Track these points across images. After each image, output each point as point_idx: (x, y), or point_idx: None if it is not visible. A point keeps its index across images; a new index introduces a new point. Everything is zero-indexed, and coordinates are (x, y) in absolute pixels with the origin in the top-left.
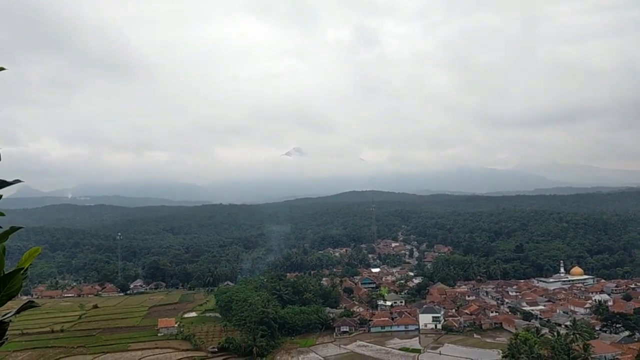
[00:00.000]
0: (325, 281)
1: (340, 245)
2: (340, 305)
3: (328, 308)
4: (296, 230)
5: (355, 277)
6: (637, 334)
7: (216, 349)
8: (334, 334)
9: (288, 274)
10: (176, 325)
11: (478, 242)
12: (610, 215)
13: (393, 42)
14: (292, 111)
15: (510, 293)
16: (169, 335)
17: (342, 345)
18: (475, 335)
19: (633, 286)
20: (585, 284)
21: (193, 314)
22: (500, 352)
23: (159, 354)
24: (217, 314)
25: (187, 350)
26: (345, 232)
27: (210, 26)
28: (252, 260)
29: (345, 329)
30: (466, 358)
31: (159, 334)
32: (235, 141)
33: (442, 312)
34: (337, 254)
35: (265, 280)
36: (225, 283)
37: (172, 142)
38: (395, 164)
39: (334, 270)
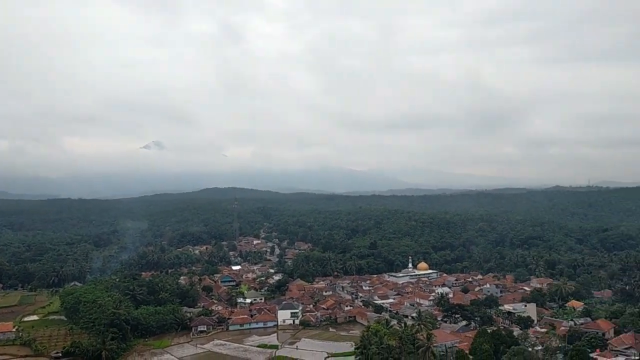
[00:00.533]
0: (183, 280)
1: (201, 242)
2: (199, 304)
3: (185, 307)
4: (153, 227)
5: (215, 275)
6: (472, 323)
7: (60, 354)
8: (191, 333)
9: (143, 273)
10: (14, 329)
11: (336, 239)
12: (453, 215)
13: (259, 40)
14: (153, 103)
15: (364, 287)
16: (5, 340)
17: (198, 345)
18: (330, 329)
19: (470, 279)
20: (430, 278)
21: (34, 317)
22: (353, 344)
23: None
24: (63, 317)
25: (27, 356)
26: (206, 229)
27: (62, 5)
28: (104, 259)
29: (202, 328)
30: (321, 351)
31: None
32: (89, 131)
33: (301, 308)
34: (197, 252)
35: (117, 280)
36: (72, 284)
37: (13, 130)
38: (260, 161)
39: (193, 268)
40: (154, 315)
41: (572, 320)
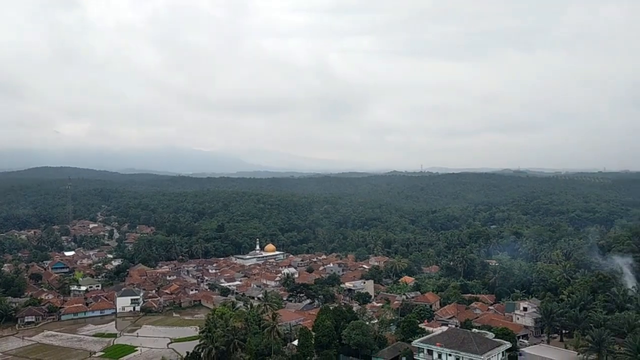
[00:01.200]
0: (7, 267)
1: (28, 226)
2: (26, 293)
3: (10, 297)
4: None
5: (45, 261)
6: (316, 301)
7: None
8: (17, 325)
9: None
10: None
11: (182, 222)
12: (300, 198)
13: (95, 7)
14: None
15: (210, 271)
16: None
17: (25, 337)
18: (174, 314)
19: (315, 260)
20: (276, 259)
21: None
22: (198, 328)
23: None
24: None
25: None
26: (34, 212)
27: None
28: None
29: (30, 319)
30: (163, 337)
31: None
32: None
33: (142, 294)
34: (23, 237)
35: None
36: None
37: None
38: (97, 139)
39: (19, 254)
40: None
41: (404, 294)
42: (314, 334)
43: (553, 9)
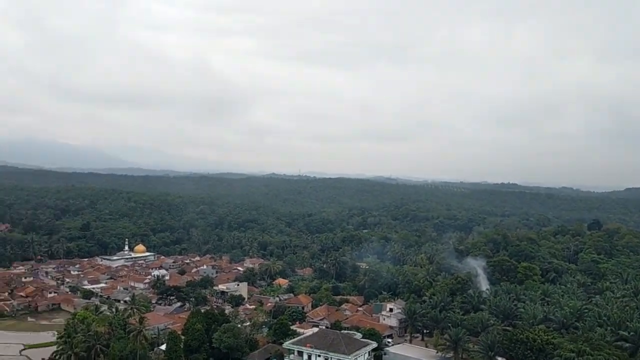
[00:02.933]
0: None
1: None
2: None
3: None
4: None
5: None
6: (187, 304)
7: None
8: None
9: None
10: None
11: (42, 220)
12: (174, 197)
13: None
14: None
15: (72, 272)
16: None
17: None
18: (29, 319)
19: (188, 261)
20: (147, 260)
21: None
22: (56, 333)
23: None
24: None
25: None
26: None
27: None
28: None
29: None
30: (16, 343)
31: None
32: None
33: None
34: None
35: None
36: None
37: None
38: None
39: None
40: None
41: (277, 296)
42: (183, 337)
43: (425, 27)
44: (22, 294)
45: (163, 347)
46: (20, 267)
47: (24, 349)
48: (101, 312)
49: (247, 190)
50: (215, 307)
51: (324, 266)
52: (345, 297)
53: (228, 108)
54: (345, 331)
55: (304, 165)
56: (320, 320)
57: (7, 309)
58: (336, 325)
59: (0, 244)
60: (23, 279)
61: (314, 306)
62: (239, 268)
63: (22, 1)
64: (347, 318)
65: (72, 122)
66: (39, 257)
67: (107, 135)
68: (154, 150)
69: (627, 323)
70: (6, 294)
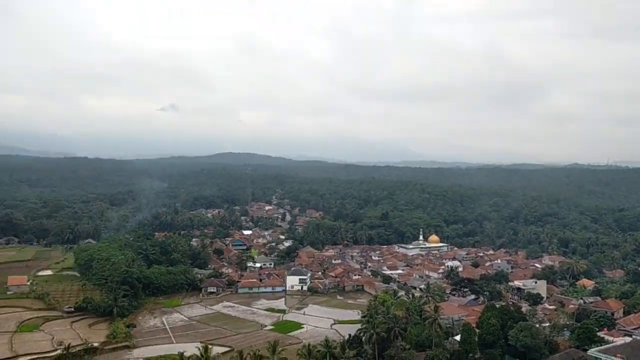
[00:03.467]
0: (195, 242)
1: (214, 206)
2: (209, 266)
3: (196, 269)
4: (168, 189)
5: (226, 238)
6: (481, 297)
7: (72, 309)
8: (201, 294)
9: (156, 234)
10: (28, 283)
11: (348, 209)
12: (466, 189)
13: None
14: (168, 63)
15: (373, 258)
16: (19, 293)
17: (208, 306)
18: (338, 297)
19: (481, 254)
20: (440, 251)
21: (48, 272)
22: (360, 312)
23: (8, 312)
24: (76, 273)
25: (40, 309)
26: (219, 193)
27: None
28: (119, 218)
29: (212, 290)
30: (327, 317)
31: (8, 292)
32: (104, 90)
33: (309, 275)
34: (209, 215)
35: (131, 239)
36: (87, 241)
37: (31, 86)
38: (274, 127)
39: (205, 231)
40: (166, 275)
41: (581, 298)
42: (477, 331)
43: None
44: (332, 274)
45: (457, 337)
46: (331, 250)
47: (334, 324)
48: (399, 297)
49: (544, 182)
50: (511, 303)
51: (639, 269)
52: None
53: (521, 95)
54: None
55: (613, 153)
56: (634, 329)
57: (320, 286)
58: None
59: (315, 229)
60: (333, 261)
61: (626, 313)
62: (537, 265)
63: (326, 13)
64: None
65: (373, 119)
66: (346, 242)
67: (402, 129)
68: (445, 141)
69: None
70: (320, 273)
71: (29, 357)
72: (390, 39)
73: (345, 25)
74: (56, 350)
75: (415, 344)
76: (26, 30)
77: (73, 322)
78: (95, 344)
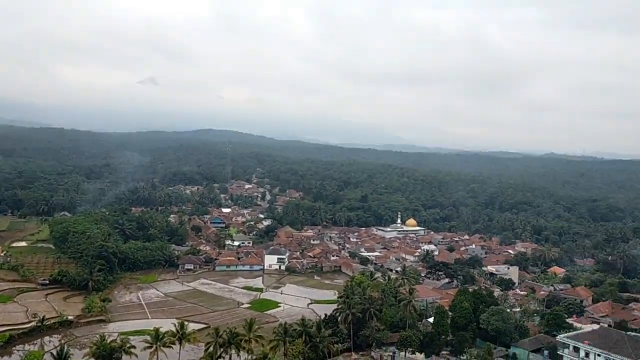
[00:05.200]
0: (173, 218)
1: (193, 182)
2: (187, 243)
3: (174, 245)
4: (146, 164)
5: (205, 216)
6: (455, 281)
7: (47, 281)
8: (178, 271)
9: (133, 209)
10: (2, 254)
11: (328, 190)
12: (445, 175)
13: None
14: (147, 35)
15: (351, 239)
16: None
17: (184, 283)
18: (315, 277)
19: (457, 239)
20: (417, 234)
21: (23, 244)
22: (337, 292)
23: None
24: (51, 245)
25: (14, 281)
26: (198, 170)
27: None
28: (95, 191)
29: (189, 267)
30: (304, 297)
31: None
32: (81, 60)
33: (287, 254)
34: (188, 192)
35: (107, 213)
36: (62, 213)
37: (3, 52)
38: (255, 105)
39: (184, 207)
40: (142, 251)
41: (552, 285)
42: (450, 314)
43: None
44: (310, 254)
45: (431, 319)
46: (310, 231)
47: (310, 303)
48: (375, 279)
49: (521, 171)
50: (483, 287)
51: (609, 258)
52: (634, 295)
53: (503, 83)
54: (633, 333)
55: (589, 144)
56: (602, 317)
57: (298, 266)
58: (621, 325)
59: (295, 209)
60: (312, 242)
61: (594, 301)
62: (510, 251)
63: None
64: (635, 319)
65: (355, 101)
66: (325, 223)
67: (384, 112)
68: (426, 126)
69: None
70: (298, 253)
71: (3, 328)
72: (374, 21)
73: (329, 4)
74: (31, 322)
75: (390, 324)
76: None
77: (48, 294)
78: (70, 317)
